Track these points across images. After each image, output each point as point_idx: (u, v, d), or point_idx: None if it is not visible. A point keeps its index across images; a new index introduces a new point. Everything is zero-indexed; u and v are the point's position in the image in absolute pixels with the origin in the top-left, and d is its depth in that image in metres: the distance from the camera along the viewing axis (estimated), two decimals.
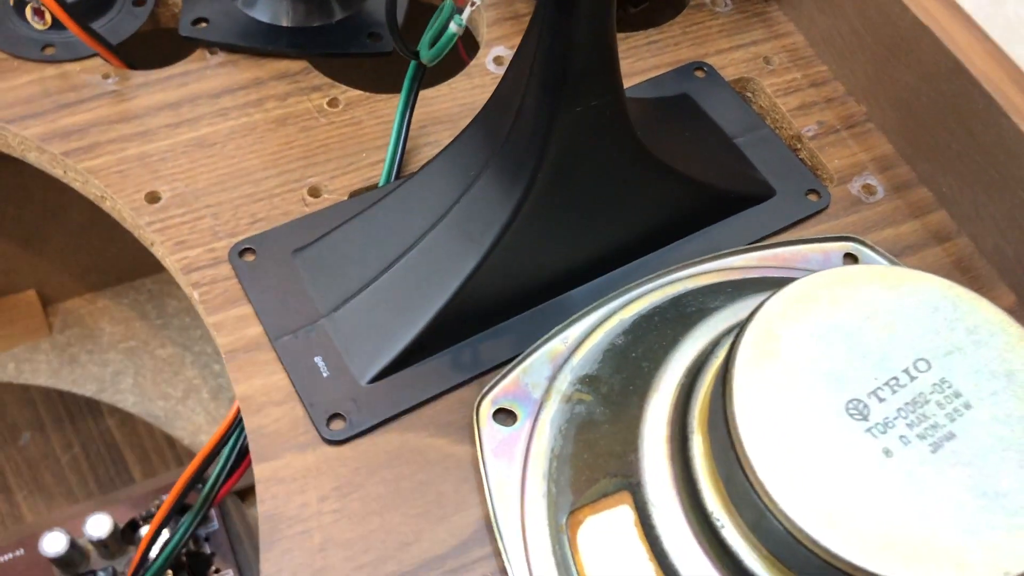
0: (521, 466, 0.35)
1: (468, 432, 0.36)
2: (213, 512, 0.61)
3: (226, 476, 0.45)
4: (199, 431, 0.68)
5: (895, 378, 0.29)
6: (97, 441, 0.64)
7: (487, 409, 0.36)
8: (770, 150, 0.44)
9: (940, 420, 0.28)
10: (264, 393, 0.37)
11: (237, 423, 0.40)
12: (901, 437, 0.28)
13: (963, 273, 0.42)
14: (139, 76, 0.46)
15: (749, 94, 0.48)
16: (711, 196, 0.41)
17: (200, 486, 0.44)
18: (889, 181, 0.44)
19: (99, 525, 0.56)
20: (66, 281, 0.72)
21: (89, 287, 0.74)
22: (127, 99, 0.45)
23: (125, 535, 0.58)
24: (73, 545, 0.57)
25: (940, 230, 0.43)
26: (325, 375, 0.37)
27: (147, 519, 0.58)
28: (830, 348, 0.29)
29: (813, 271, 0.41)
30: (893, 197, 0.44)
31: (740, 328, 0.30)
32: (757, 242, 0.42)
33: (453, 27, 0.27)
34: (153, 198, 0.42)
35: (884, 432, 0.28)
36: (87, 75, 0.46)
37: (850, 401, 0.28)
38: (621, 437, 0.33)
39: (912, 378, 0.29)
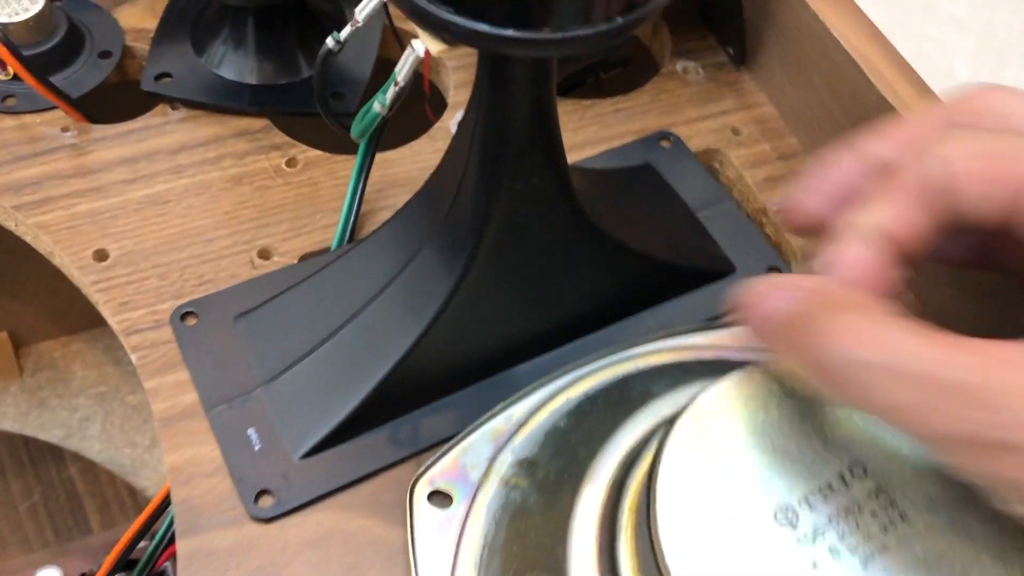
0: (452, 553, 0.34)
1: (402, 513, 0.35)
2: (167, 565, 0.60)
3: (167, 543, 0.44)
4: (163, 481, 0.67)
5: (829, 483, 0.27)
6: (58, 489, 0.63)
7: (422, 490, 0.35)
8: (733, 224, 0.43)
9: (874, 531, 0.27)
10: (194, 464, 0.36)
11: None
12: (831, 549, 0.26)
13: None
14: (99, 130, 0.45)
15: (716, 165, 0.47)
16: (666, 271, 0.40)
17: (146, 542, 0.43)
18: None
19: None
20: (40, 323, 0.72)
21: (63, 330, 0.73)
22: (84, 153, 0.45)
23: None
24: None
25: None
26: (257, 448, 0.36)
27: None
28: (764, 448, 0.28)
29: (767, 352, 0.40)
30: None
31: (670, 423, 0.28)
32: (714, 319, 0.40)
33: (376, 107, 0.26)
34: (101, 256, 0.41)
35: (813, 542, 0.26)
36: (46, 127, 0.45)
37: (780, 507, 0.27)
38: (551, 528, 0.31)
39: (847, 484, 0.27)
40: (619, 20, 0.25)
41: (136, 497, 0.64)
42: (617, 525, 0.29)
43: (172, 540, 0.43)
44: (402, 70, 0.26)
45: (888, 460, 0.28)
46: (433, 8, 0.24)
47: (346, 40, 0.28)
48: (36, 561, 0.58)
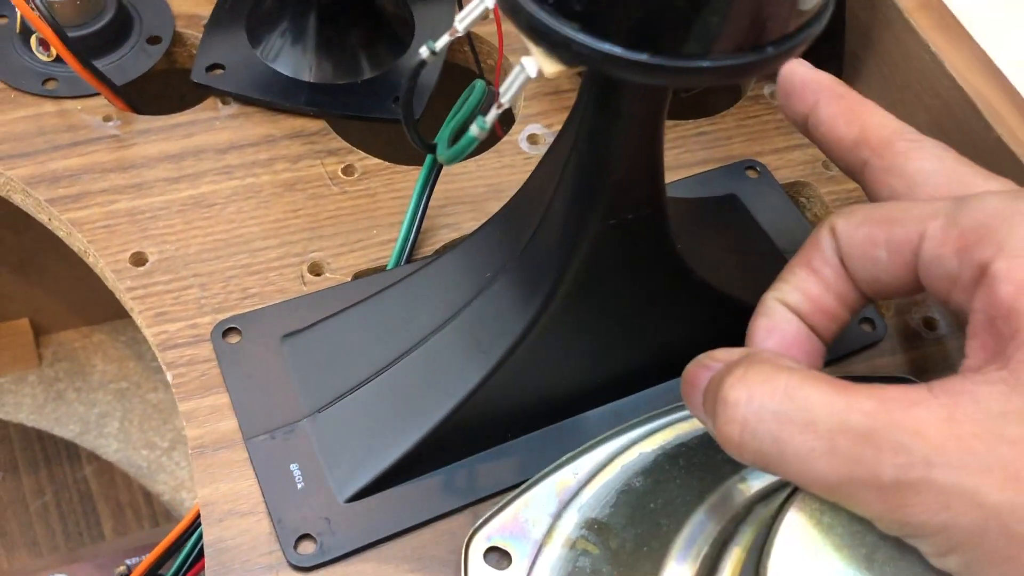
0: None
1: (455, 570, 0.32)
2: None
3: (189, 567, 0.41)
4: (181, 487, 0.64)
5: None
6: (71, 489, 0.60)
7: (479, 546, 0.32)
8: None
9: None
10: (229, 500, 0.33)
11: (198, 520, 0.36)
12: None
13: None
14: (143, 121, 0.42)
15: (803, 200, 0.44)
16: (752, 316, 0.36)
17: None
18: (953, 315, 0.40)
19: None
20: (61, 312, 0.69)
21: (86, 320, 0.70)
22: (126, 146, 0.41)
23: None
24: None
25: None
26: (300, 487, 0.33)
27: None
28: (889, 548, 0.24)
29: None
30: (958, 334, 0.39)
31: (780, 509, 0.25)
32: None
33: (474, 130, 0.23)
34: (139, 260, 0.38)
35: None
36: (87, 115, 0.42)
37: None
38: None
39: None
40: (769, 50, 0.21)
41: (152, 502, 0.61)
42: None
43: (200, 556, 0.40)
44: (508, 91, 0.23)
45: None
46: (555, 24, 0.21)
47: (441, 51, 0.24)
48: (44, 566, 0.56)
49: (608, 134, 0.27)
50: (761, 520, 0.27)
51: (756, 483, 0.30)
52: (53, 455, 0.62)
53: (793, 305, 0.28)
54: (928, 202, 0.26)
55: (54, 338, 0.69)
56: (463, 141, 0.24)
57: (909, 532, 0.22)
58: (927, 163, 0.28)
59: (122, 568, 0.54)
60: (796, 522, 0.24)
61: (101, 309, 0.70)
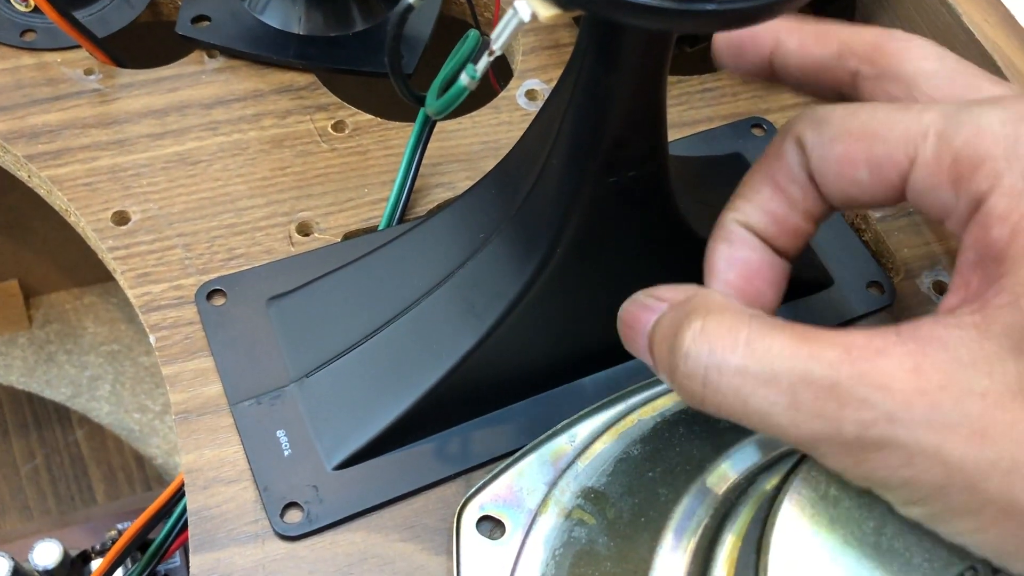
0: None
1: (447, 539, 0.31)
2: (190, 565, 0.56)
3: (178, 532, 0.40)
4: (173, 451, 0.63)
5: (973, 567, 0.23)
6: (62, 453, 0.60)
7: (471, 515, 0.31)
8: (831, 231, 0.38)
9: None
10: (214, 467, 0.32)
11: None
12: None
13: None
14: (126, 75, 0.41)
15: None
16: None
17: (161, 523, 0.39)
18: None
19: (47, 554, 0.51)
20: (52, 273, 0.68)
21: (76, 282, 0.69)
22: (108, 100, 0.40)
23: (76, 566, 0.53)
24: (17, 571, 0.52)
25: None
26: (287, 453, 0.31)
27: (101, 552, 0.53)
28: (896, 523, 0.23)
29: None
30: None
31: (784, 479, 0.24)
32: None
33: (464, 79, 0.22)
34: (121, 219, 0.37)
35: None
36: (67, 68, 0.41)
37: None
38: None
39: (995, 570, 0.23)
40: None
41: (144, 466, 0.61)
42: None
43: (187, 525, 0.39)
44: (500, 37, 0.21)
45: None
46: None
47: None
48: (35, 530, 0.55)
49: (608, 86, 0.25)
50: (764, 492, 0.26)
51: (759, 452, 0.29)
52: (44, 418, 0.61)
53: (756, 227, 0.26)
54: (914, 110, 0.23)
55: (44, 300, 0.68)
56: (452, 91, 0.22)
57: (873, 485, 0.22)
58: (927, 63, 0.26)
59: (113, 532, 0.53)
60: (800, 495, 0.23)
61: (92, 270, 0.69)
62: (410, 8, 0.24)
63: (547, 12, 0.20)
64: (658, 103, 0.27)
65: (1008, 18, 0.37)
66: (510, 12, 0.21)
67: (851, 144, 0.24)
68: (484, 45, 0.22)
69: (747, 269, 0.26)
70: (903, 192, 0.23)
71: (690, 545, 0.27)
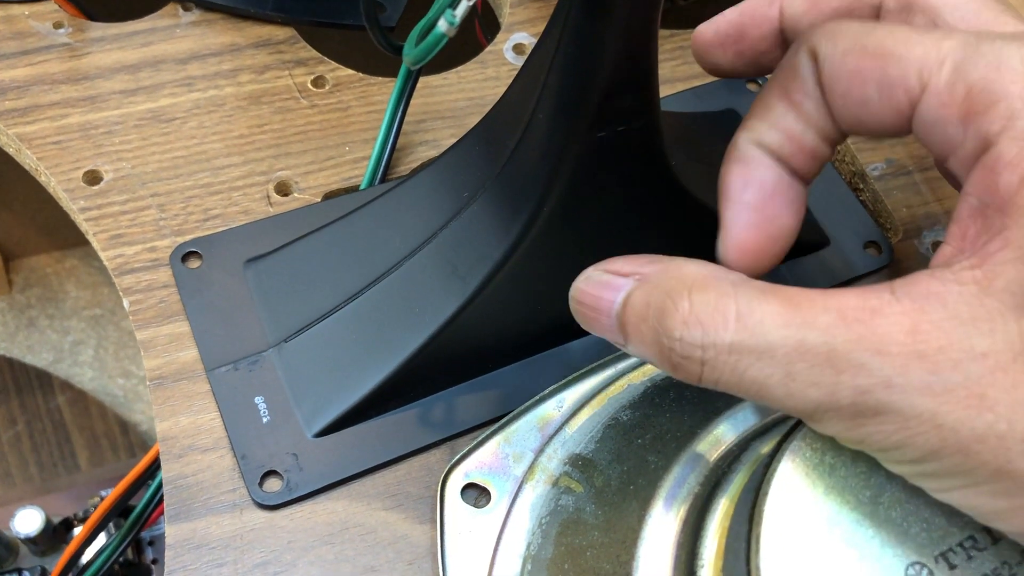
0: (488, 562, 0.29)
1: (431, 507, 0.30)
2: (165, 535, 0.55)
3: (156, 503, 0.39)
4: None
5: (972, 536, 0.22)
6: (44, 419, 0.59)
7: (456, 482, 0.30)
8: (827, 189, 0.37)
9: None
10: (190, 435, 0.31)
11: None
12: None
13: None
14: (97, 29, 0.39)
15: None
16: None
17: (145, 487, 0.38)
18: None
19: (28, 521, 0.50)
20: (31, 236, 0.66)
21: (57, 244, 0.68)
22: (79, 55, 0.38)
23: (58, 533, 0.52)
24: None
25: None
26: (265, 420, 0.30)
27: (83, 519, 0.52)
28: (891, 491, 0.22)
29: None
30: None
31: (778, 447, 0.23)
32: None
33: (442, 25, 0.20)
34: (93, 178, 0.35)
35: None
36: (36, 22, 0.39)
37: (911, 565, 0.22)
38: (613, 553, 0.26)
39: (995, 539, 0.22)
40: None
41: (128, 432, 0.60)
42: (697, 560, 0.24)
43: (156, 506, 0.38)
44: None
45: None
46: None
47: None
48: (18, 496, 0.54)
49: (596, 35, 0.24)
50: (757, 459, 0.25)
51: (752, 419, 0.28)
52: (25, 384, 0.60)
53: (772, 146, 0.25)
54: (935, 36, 0.22)
55: (24, 263, 0.67)
56: (430, 38, 0.21)
57: (866, 448, 0.21)
58: None
59: (96, 499, 0.52)
60: (795, 463, 0.22)
61: (73, 233, 0.67)
62: None
63: None
64: (649, 53, 0.25)
65: None
66: None
67: (864, 60, 0.22)
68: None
69: (764, 189, 0.25)
70: (910, 121, 0.22)
71: (680, 514, 0.26)
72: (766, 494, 0.22)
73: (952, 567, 0.22)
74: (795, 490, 0.22)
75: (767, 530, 0.22)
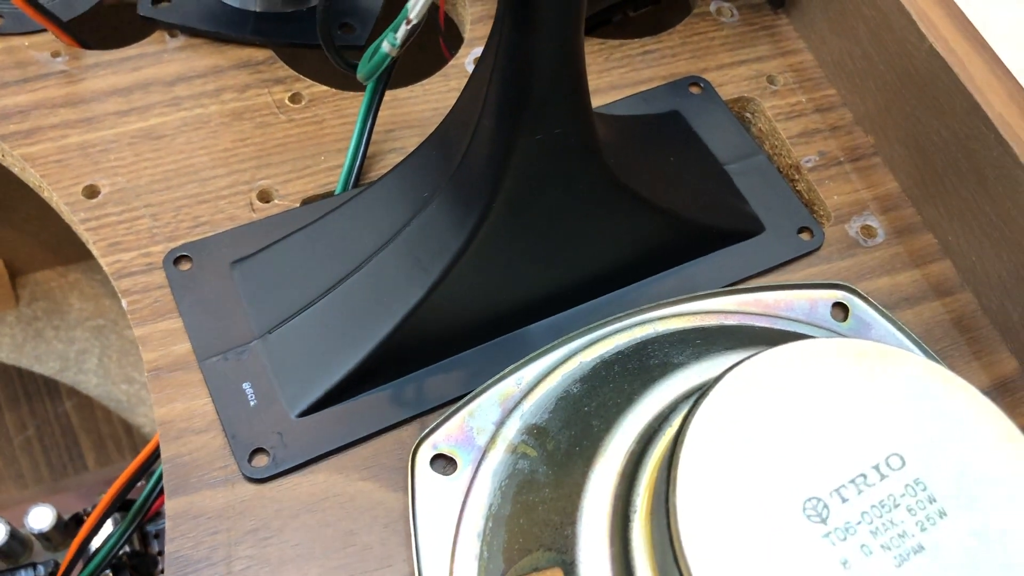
0: (455, 522, 0.32)
1: (404, 476, 0.33)
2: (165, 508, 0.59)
3: (156, 495, 0.42)
4: None
5: (863, 475, 0.25)
6: (53, 424, 0.62)
7: (425, 454, 0.33)
8: (764, 180, 0.41)
9: (909, 528, 0.25)
10: (185, 418, 0.34)
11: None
12: (863, 546, 0.24)
13: (962, 332, 0.38)
14: (91, 56, 0.43)
15: (748, 115, 0.44)
16: (691, 230, 0.37)
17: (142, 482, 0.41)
18: (891, 224, 0.41)
19: (40, 518, 0.53)
20: (36, 252, 0.70)
21: (61, 259, 0.71)
22: (76, 81, 0.42)
23: (69, 528, 0.55)
24: (13, 535, 0.54)
25: (942, 283, 0.39)
26: (252, 404, 0.34)
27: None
28: (792, 435, 0.26)
29: (796, 320, 0.38)
30: (894, 242, 0.40)
31: (694, 402, 0.26)
32: (739, 283, 0.38)
33: (385, 47, 0.24)
34: (91, 192, 0.39)
35: (844, 539, 0.24)
36: (35, 52, 0.42)
37: (808, 500, 0.25)
38: (560, 506, 0.30)
39: (882, 476, 0.25)
40: None
41: (132, 434, 0.63)
42: (631, 507, 0.28)
43: (159, 495, 0.42)
44: (416, 6, 0.23)
45: (927, 452, 0.26)
46: None
47: None
48: (30, 497, 0.57)
49: (526, 49, 0.28)
50: (681, 418, 0.28)
51: (684, 384, 0.31)
52: (34, 391, 0.63)
53: None
54: None
55: (30, 278, 0.70)
56: (376, 57, 0.24)
57: None
58: None
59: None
60: (707, 415, 0.26)
61: (75, 249, 0.71)
62: None
63: None
64: (576, 62, 0.29)
65: None
66: None
67: None
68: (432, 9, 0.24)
69: None
70: None
71: (618, 468, 0.29)
72: (682, 443, 0.25)
73: (844, 500, 0.25)
74: (706, 439, 0.25)
75: (682, 475, 0.25)
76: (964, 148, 0.37)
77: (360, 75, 0.27)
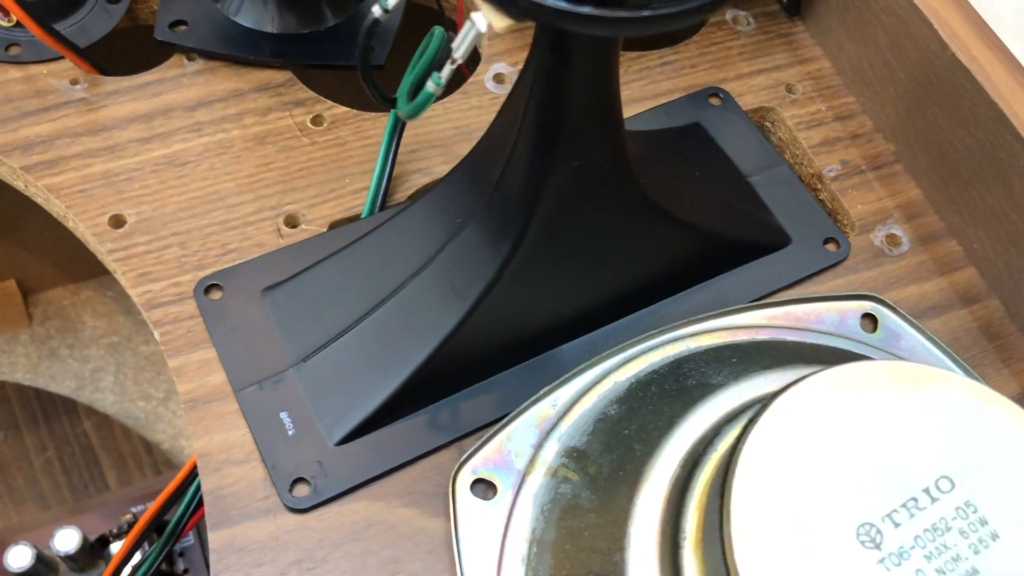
0: (499, 547, 0.32)
1: (444, 502, 0.34)
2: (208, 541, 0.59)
3: (191, 512, 0.42)
4: (179, 435, 0.65)
5: (914, 499, 0.26)
6: (72, 444, 0.62)
7: (465, 479, 0.33)
8: (787, 191, 0.41)
9: (963, 551, 0.25)
10: (224, 450, 0.34)
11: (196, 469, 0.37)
12: (918, 571, 0.25)
13: (991, 340, 0.38)
14: (110, 83, 0.42)
15: (768, 125, 0.44)
16: (719, 245, 0.38)
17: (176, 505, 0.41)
18: (915, 232, 0.41)
19: (67, 540, 0.54)
20: (47, 270, 0.70)
21: (72, 278, 0.71)
22: (96, 108, 0.42)
23: (95, 549, 0.56)
24: (40, 559, 0.54)
25: (968, 290, 0.40)
26: (290, 433, 0.34)
27: (118, 535, 0.55)
28: (841, 460, 0.26)
29: (826, 333, 0.38)
30: (919, 250, 0.40)
31: (743, 430, 0.26)
32: (768, 296, 0.38)
33: (431, 87, 0.24)
34: (118, 222, 0.39)
35: (899, 564, 0.25)
36: (54, 80, 0.42)
37: (862, 525, 0.25)
38: (607, 532, 0.30)
39: (933, 499, 0.26)
40: None
41: (152, 452, 0.63)
42: (680, 534, 0.28)
43: (200, 504, 0.42)
44: (461, 46, 0.23)
45: (976, 473, 0.26)
46: None
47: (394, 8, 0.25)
48: (53, 518, 0.57)
49: (563, 78, 0.28)
50: (728, 441, 0.28)
51: (724, 406, 0.31)
52: (52, 412, 0.63)
53: None
54: None
55: (42, 297, 0.70)
56: (420, 97, 0.24)
57: None
58: None
59: (128, 516, 0.56)
60: (758, 442, 0.26)
61: (86, 266, 0.71)
62: (376, 23, 0.26)
63: (501, 23, 0.22)
64: (611, 93, 0.29)
65: None
66: (468, 24, 0.23)
67: None
68: (447, 52, 0.24)
69: None
70: None
71: (664, 494, 0.29)
72: (734, 471, 0.25)
73: (897, 525, 0.25)
74: (758, 465, 0.26)
75: (736, 503, 0.25)
76: (990, 157, 0.37)
77: (404, 114, 0.27)
